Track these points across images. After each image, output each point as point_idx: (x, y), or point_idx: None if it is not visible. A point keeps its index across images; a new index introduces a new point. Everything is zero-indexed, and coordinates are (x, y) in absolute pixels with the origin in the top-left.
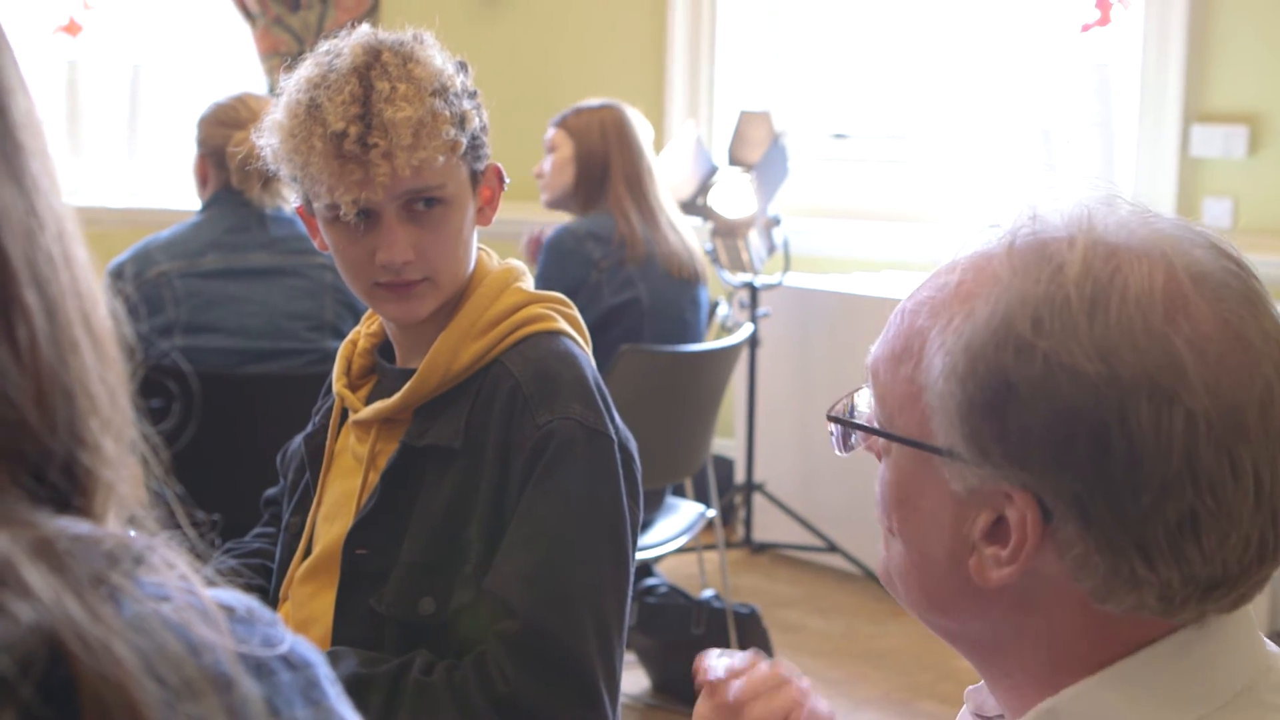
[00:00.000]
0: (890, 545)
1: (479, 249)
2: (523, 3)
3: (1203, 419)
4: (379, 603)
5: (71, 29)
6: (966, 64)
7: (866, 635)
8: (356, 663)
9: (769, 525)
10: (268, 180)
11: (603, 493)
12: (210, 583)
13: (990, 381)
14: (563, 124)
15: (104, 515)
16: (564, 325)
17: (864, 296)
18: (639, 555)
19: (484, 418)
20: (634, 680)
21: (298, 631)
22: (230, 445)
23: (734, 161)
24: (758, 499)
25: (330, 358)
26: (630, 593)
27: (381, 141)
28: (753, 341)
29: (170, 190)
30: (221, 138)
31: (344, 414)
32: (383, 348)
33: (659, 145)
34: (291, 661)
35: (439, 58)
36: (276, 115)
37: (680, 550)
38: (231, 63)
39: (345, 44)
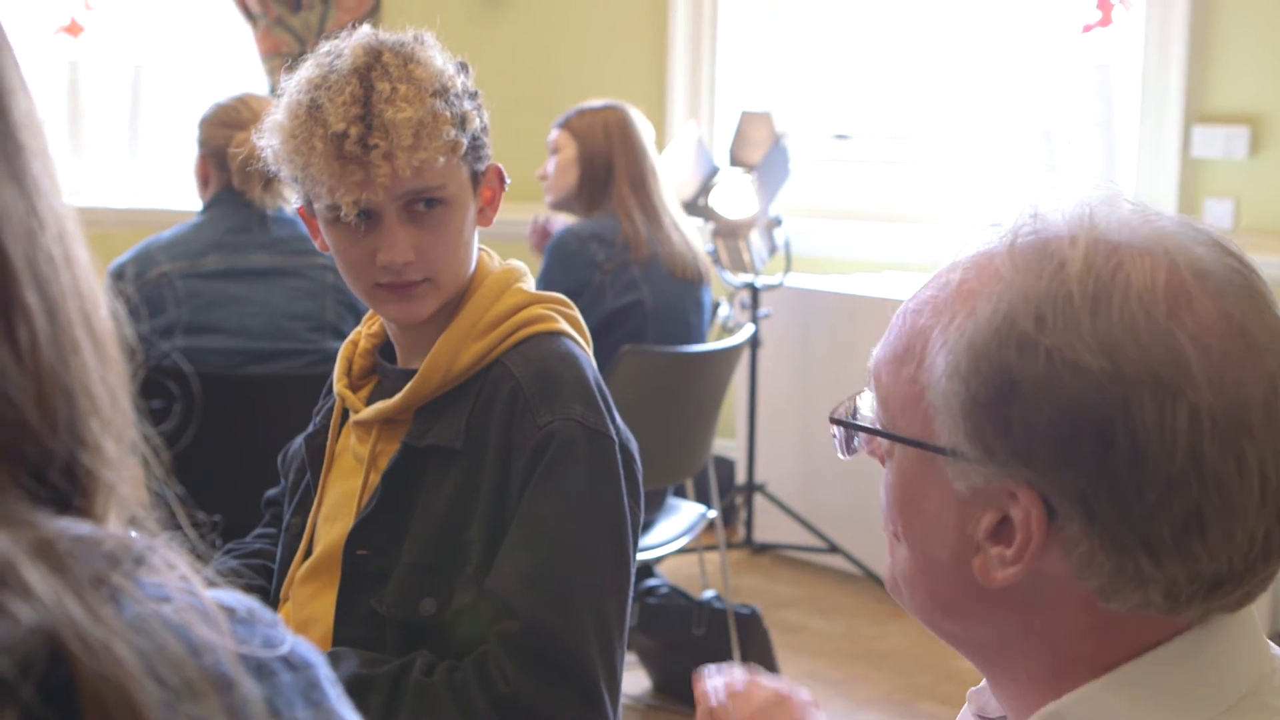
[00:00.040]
0: (895, 551)
1: (480, 249)
2: (524, 3)
3: (1207, 414)
4: (380, 603)
5: (73, 29)
6: (968, 65)
7: (867, 636)
8: (357, 663)
9: (770, 526)
10: (269, 181)
11: (603, 493)
12: (211, 583)
13: (993, 379)
14: (566, 125)
15: (105, 516)
16: (565, 326)
17: (865, 297)
18: (640, 556)
19: (485, 418)
20: (635, 681)
21: (298, 632)
22: (231, 446)
23: (735, 162)
24: (759, 500)
25: (331, 358)
26: (631, 593)
27: (382, 142)
28: (754, 342)
29: (171, 191)
30: (223, 138)
31: (345, 414)
32: (384, 348)
33: (660, 146)
34: (292, 662)
35: (440, 58)
36: (277, 116)
37: (681, 551)
38: (233, 63)
39: (346, 45)
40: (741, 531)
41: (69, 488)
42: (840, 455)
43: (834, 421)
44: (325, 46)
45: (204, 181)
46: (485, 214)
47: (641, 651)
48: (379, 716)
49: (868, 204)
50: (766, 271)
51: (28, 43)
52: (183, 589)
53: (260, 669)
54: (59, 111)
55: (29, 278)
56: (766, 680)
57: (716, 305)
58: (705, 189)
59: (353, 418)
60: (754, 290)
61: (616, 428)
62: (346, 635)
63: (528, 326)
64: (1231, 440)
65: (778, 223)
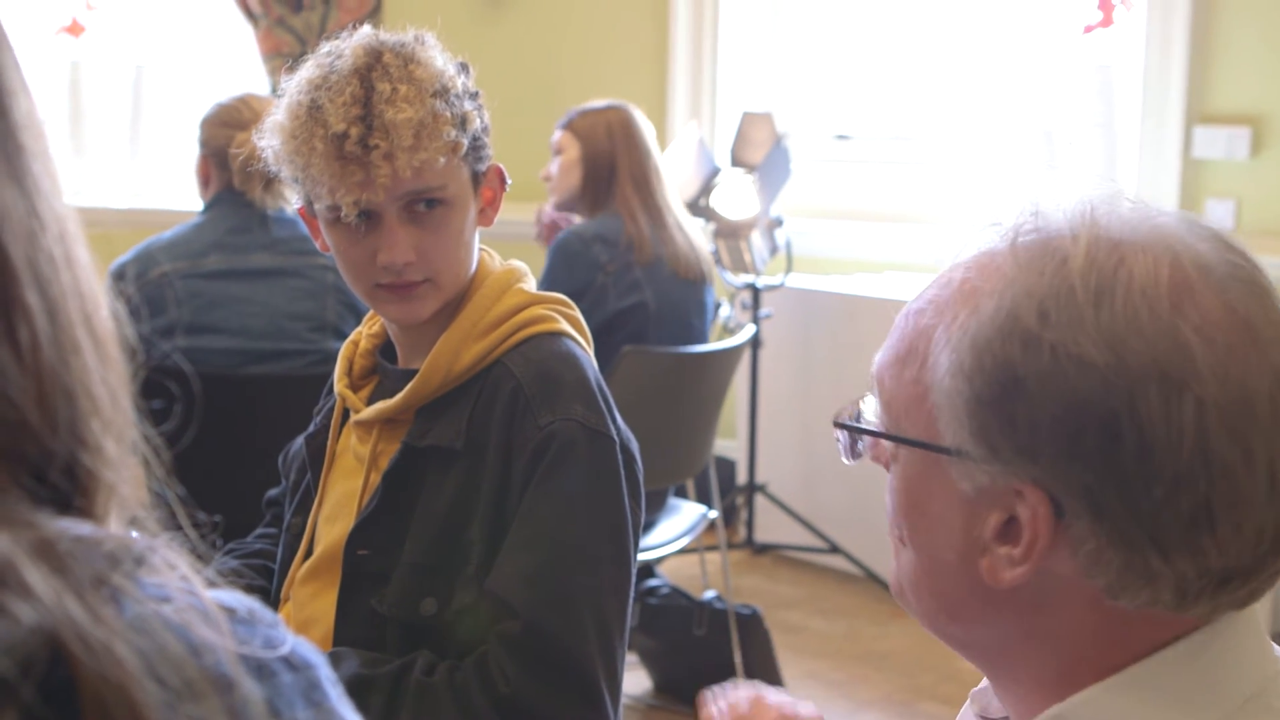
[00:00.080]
0: (900, 556)
1: (481, 250)
2: (525, 4)
3: (1213, 407)
4: (381, 603)
5: (74, 30)
6: (969, 65)
7: (868, 636)
8: (358, 664)
9: (771, 526)
10: (270, 181)
11: (604, 494)
12: (211, 584)
13: (997, 376)
14: (569, 126)
15: (105, 516)
16: (566, 326)
17: (866, 298)
18: (641, 556)
19: (486, 418)
20: (636, 681)
21: (299, 632)
22: (232, 446)
23: (736, 162)
24: (759, 500)
25: (332, 359)
26: (632, 594)
27: (382, 143)
28: (755, 342)
29: (172, 191)
30: (224, 138)
31: (345, 414)
32: (384, 348)
33: (661, 146)
34: (293, 663)
35: (440, 59)
36: (278, 116)
37: (682, 551)
38: (234, 63)
39: (346, 45)
40: (742, 532)
41: (70, 488)
42: (844, 460)
43: (838, 426)
44: (326, 47)
45: (205, 181)
46: (486, 214)
47: (642, 652)
48: (380, 717)
49: (869, 204)
50: (768, 272)
51: (29, 43)
52: (183, 589)
53: (261, 669)
54: (60, 112)
55: (30, 278)
56: (771, 696)
57: (718, 306)
58: (706, 189)
59: (353, 418)
60: (755, 290)
61: (617, 428)
62: (347, 635)
63: (529, 327)
64: (1238, 432)
65: (779, 223)
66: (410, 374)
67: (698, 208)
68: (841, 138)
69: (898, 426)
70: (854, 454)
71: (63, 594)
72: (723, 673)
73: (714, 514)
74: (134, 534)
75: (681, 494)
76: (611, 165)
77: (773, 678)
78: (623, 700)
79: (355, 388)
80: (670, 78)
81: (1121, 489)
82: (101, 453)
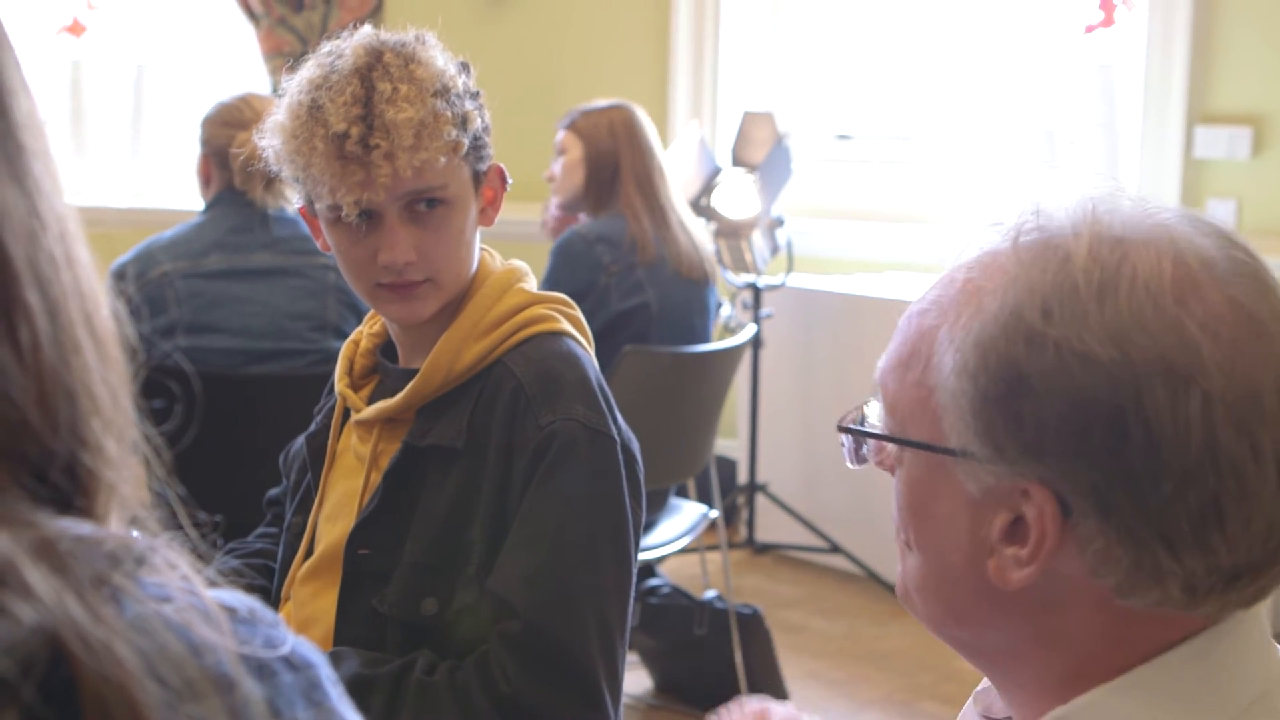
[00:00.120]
0: (906, 559)
1: (482, 249)
2: (526, 3)
3: (1219, 401)
4: (381, 603)
5: (75, 29)
6: (970, 65)
7: (869, 636)
8: (359, 663)
9: (771, 526)
10: (270, 181)
11: (605, 493)
12: (212, 583)
13: (1002, 374)
14: (572, 127)
15: (106, 516)
16: (567, 326)
17: (867, 297)
18: (642, 556)
19: (486, 418)
20: (636, 681)
21: (299, 631)
22: (233, 446)
23: (737, 162)
24: (760, 500)
25: (333, 358)
26: (633, 593)
27: (383, 142)
28: (756, 342)
29: (173, 190)
30: (225, 138)
31: (346, 414)
32: (385, 348)
33: (662, 146)
34: (293, 662)
35: (441, 58)
36: (278, 116)
37: (683, 551)
38: (235, 63)
39: (347, 45)
40: (743, 531)
41: (70, 488)
42: (849, 464)
43: (842, 430)
44: (326, 47)
45: (206, 181)
46: (487, 214)
47: (643, 651)
48: (380, 716)
49: (870, 204)
50: (768, 271)
51: (30, 42)
52: (184, 589)
53: (261, 669)
54: (61, 111)
55: (30, 278)
56: (778, 711)
57: (719, 305)
58: (707, 189)
59: (354, 417)
60: (756, 290)
61: (618, 428)
62: (348, 635)
63: (529, 326)
64: (1246, 427)
65: (780, 223)
66: (411, 373)
67: (699, 207)
68: (842, 137)
69: (902, 429)
70: (859, 458)
71: (63, 594)
72: (723, 672)
73: (715, 514)
74: (135, 534)
75: (682, 494)
76: (614, 165)
77: (773, 678)
78: (623, 700)
79: (356, 387)
80: (671, 77)
81: (1129, 486)
82: (102, 452)
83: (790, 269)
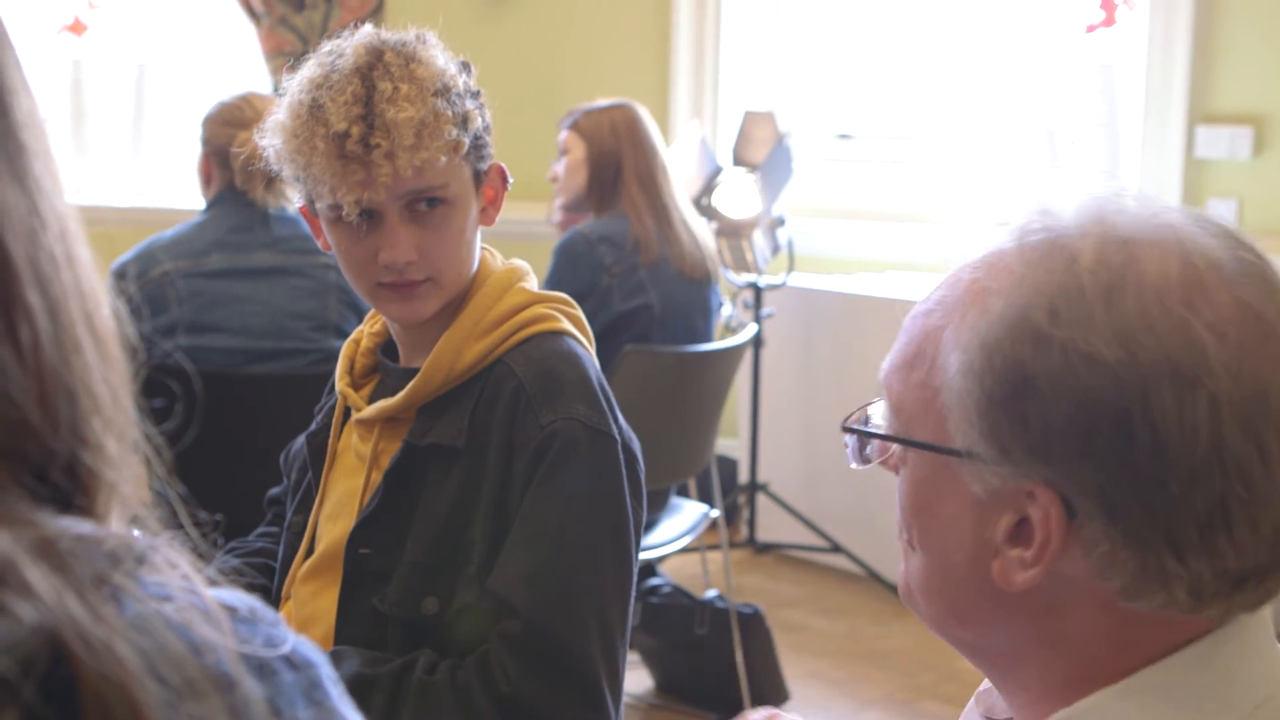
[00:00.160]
0: (909, 559)
1: (483, 249)
2: (527, 3)
3: (1226, 403)
4: (382, 602)
5: (76, 28)
6: (971, 64)
7: (870, 636)
8: (359, 663)
9: (772, 525)
10: (271, 180)
11: (606, 493)
12: (213, 582)
13: (1008, 375)
14: (574, 126)
15: (106, 515)
16: (567, 325)
17: (868, 297)
18: (642, 555)
19: (487, 417)
20: (637, 680)
21: (299, 630)
22: (233, 445)
23: (738, 162)
24: (761, 499)
25: (333, 358)
26: (633, 593)
27: (384, 142)
28: (757, 342)
29: (174, 190)
30: (226, 137)
31: (346, 413)
32: (386, 347)
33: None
34: (294, 662)
35: (442, 58)
36: (279, 115)
37: (684, 550)
38: (236, 62)
39: (348, 44)
40: (744, 531)
41: (71, 487)
42: (853, 465)
43: (846, 430)
44: (327, 46)
45: (206, 180)
46: (488, 213)
47: (644, 651)
48: (381, 716)
49: (871, 204)
50: (769, 271)
51: (31, 41)
52: (184, 588)
53: (262, 668)
54: (62, 110)
55: (31, 277)
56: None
57: (720, 305)
58: (708, 189)
59: (355, 416)
60: (757, 290)
61: (619, 427)
62: (348, 634)
63: (530, 326)
64: (1253, 429)
65: (781, 222)
66: (412, 373)
67: (700, 207)
68: (843, 137)
69: (907, 430)
70: (863, 459)
71: (63, 593)
72: (724, 672)
73: (716, 513)
74: (135, 533)
75: (683, 493)
76: (617, 164)
77: (774, 677)
78: (624, 699)
79: (356, 386)
80: (672, 77)
81: (1135, 488)
82: (103, 451)
83: (791, 268)
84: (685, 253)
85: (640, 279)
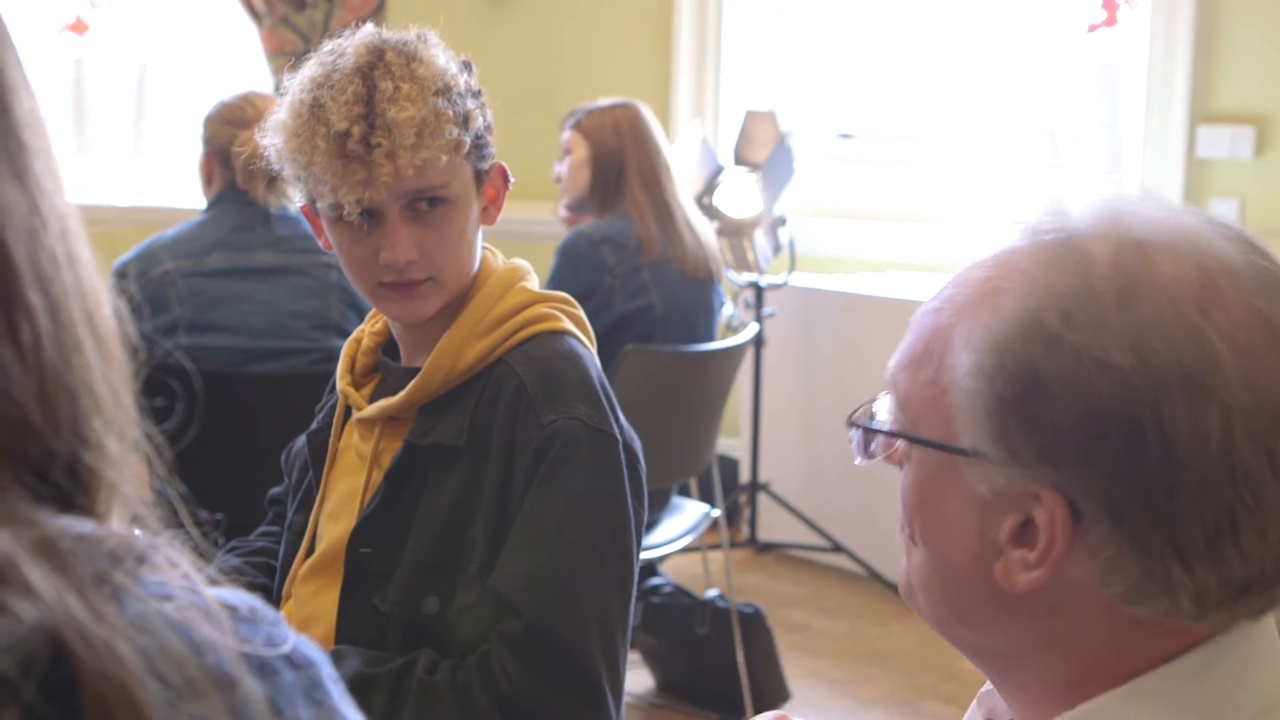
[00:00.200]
0: (911, 555)
1: (484, 248)
2: (528, 2)
3: (1239, 412)
4: (383, 601)
5: (78, 28)
6: (973, 64)
7: (871, 635)
8: (360, 662)
9: (774, 525)
10: (272, 179)
11: (607, 493)
12: (213, 582)
13: (1019, 377)
14: (577, 127)
15: (107, 514)
16: (569, 325)
17: (869, 296)
18: (643, 555)
19: (488, 417)
20: (638, 680)
21: (300, 630)
22: (234, 444)
23: (739, 161)
24: (762, 499)
25: (334, 357)
26: (634, 593)
27: (385, 141)
28: (758, 341)
29: (175, 189)
30: (227, 137)
31: (347, 412)
32: (387, 346)
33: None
34: (294, 661)
35: (443, 57)
36: (280, 115)
37: (685, 550)
38: (238, 62)
39: (349, 43)
40: (745, 531)
41: (71, 486)
42: (857, 460)
43: (852, 425)
44: (329, 45)
45: (208, 180)
46: (489, 213)
47: (645, 650)
48: (381, 715)
49: (872, 203)
50: (771, 270)
51: (32, 41)
52: (185, 587)
53: (262, 667)
54: (63, 109)
55: (32, 277)
56: None
57: (722, 304)
58: (710, 188)
59: (355, 415)
60: (758, 289)
61: (620, 427)
62: (349, 633)
63: (531, 325)
64: (1264, 439)
65: (782, 222)
66: (413, 372)
67: (701, 206)
68: (845, 136)
69: (913, 426)
70: (867, 454)
71: (64, 592)
72: (725, 672)
73: (717, 513)
74: (136, 532)
75: (684, 493)
76: (620, 164)
77: (775, 677)
78: (625, 699)
79: (357, 385)
80: (673, 76)
81: (1143, 495)
82: (103, 451)
83: (792, 268)
84: (688, 252)
85: (643, 280)
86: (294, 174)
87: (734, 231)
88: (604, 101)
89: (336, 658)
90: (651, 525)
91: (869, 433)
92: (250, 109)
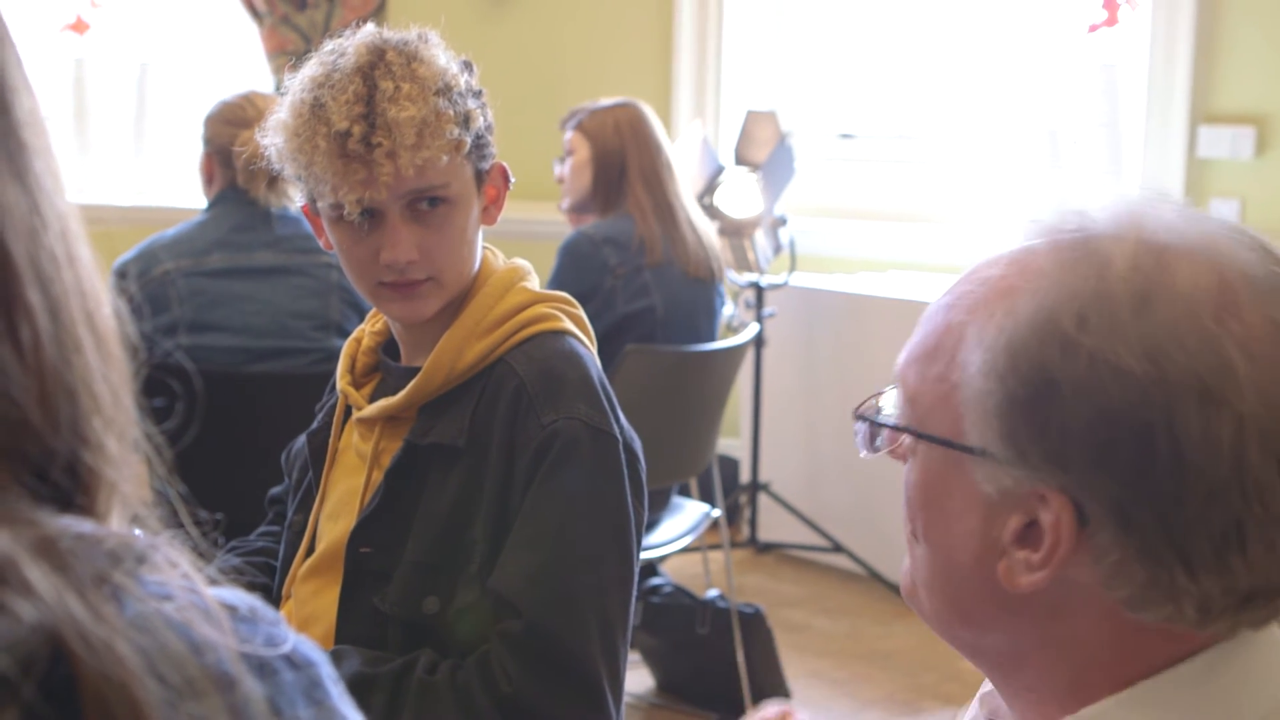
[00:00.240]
0: (914, 552)
1: (484, 248)
2: (529, 2)
3: (1252, 423)
4: (383, 601)
5: (79, 27)
6: (973, 64)
7: (871, 636)
8: (360, 662)
9: (774, 525)
10: (273, 179)
11: (607, 492)
12: (213, 581)
13: (1031, 378)
14: (579, 127)
15: (107, 514)
16: (569, 325)
17: (870, 296)
18: (644, 555)
19: (488, 417)
20: (638, 680)
21: (300, 629)
22: (234, 444)
23: (740, 161)
24: (763, 499)
25: (335, 357)
26: (634, 593)
27: (385, 141)
28: (758, 341)
29: (176, 189)
30: (228, 136)
31: (347, 412)
32: (387, 346)
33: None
34: (294, 661)
35: (443, 57)
36: (281, 114)
37: (685, 550)
38: (238, 61)
39: (350, 43)
40: (745, 531)
41: (71, 486)
42: (862, 453)
43: (859, 418)
44: (329, 45)
45: (208, 179)
46: (490, 213)
47: (645, 650)
48: (381, 715)
49: (873, 203)
50: (771, 270)
51: (33, 40)
52: (185, 587)
53: (262, 667)
54: (64, 109)
55: (31, 276)
56: (801, 714)
57: (723, 304)
58: (710, 188)
59: (355, 415)
60: (759, 289)
61: (620, 427)
62: (349, 633)
63: (532, 325)
64: (1276, 450)
65: (783, 222)
66: (413, 372)
67: (702, 206)
68: (845, 136)
69: (921, 422)
70: (873, 447)
71: (64, 592)
72: (725, 672)
73: (717, 513)
74: (136, 532)
75: (685, 493)
76: (621, 164)
77: (775, 677)
78: (625, 699)
79: (358, 385)
80: (674, 76)
81: (1152, 502)
82: (103, 451)
83: (793, 268)
84: (690, 252)
85: (644, 281)
86: (294, 173)
87: (734, 231)
88: (606, 101)
89: (336, 658)
90: (652, 525)
91: (875, 426)
92: (251, 108)
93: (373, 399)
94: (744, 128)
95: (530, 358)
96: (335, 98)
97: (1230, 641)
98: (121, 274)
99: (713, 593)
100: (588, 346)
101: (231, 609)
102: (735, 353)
